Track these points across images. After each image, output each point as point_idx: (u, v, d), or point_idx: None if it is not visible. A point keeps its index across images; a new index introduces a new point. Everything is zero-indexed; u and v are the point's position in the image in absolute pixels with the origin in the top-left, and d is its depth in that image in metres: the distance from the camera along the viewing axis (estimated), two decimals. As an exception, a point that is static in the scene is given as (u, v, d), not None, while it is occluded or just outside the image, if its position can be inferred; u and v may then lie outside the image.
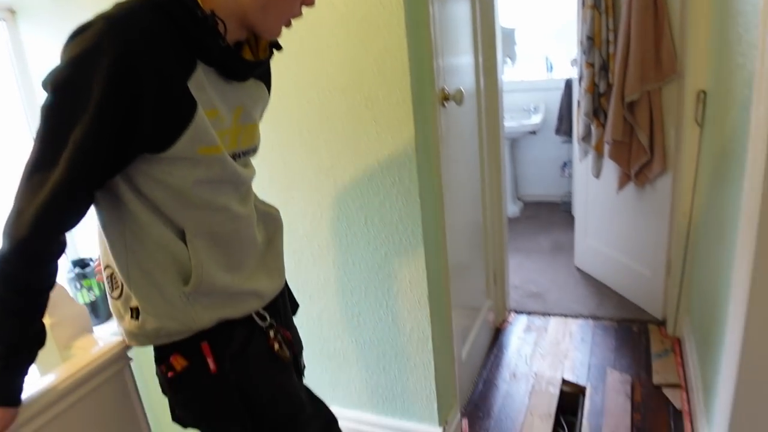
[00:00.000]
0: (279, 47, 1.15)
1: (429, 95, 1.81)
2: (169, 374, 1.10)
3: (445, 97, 1.92)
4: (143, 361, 1.29)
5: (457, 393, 2.21)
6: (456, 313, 2.14)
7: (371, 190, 1.81)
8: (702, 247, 2.38)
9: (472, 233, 2.55)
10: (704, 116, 2.39)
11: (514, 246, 3.99)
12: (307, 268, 2.02)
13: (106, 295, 2.51)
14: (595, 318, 3.00)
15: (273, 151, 1.90)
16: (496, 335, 2.94)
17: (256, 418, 1.18)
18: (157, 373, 1.15)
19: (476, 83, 2.50)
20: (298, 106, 1.81)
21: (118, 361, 1.28)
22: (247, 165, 1.17)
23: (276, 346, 1.18)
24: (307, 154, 1.86)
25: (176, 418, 1.21)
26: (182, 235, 1.02)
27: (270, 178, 1.94)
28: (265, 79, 1.20)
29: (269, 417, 1.21)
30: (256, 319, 1.16)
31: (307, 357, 2.05)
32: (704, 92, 2.38)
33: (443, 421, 2.07)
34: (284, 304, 1.32)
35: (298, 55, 1.75)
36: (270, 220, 1.23)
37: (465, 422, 2.28)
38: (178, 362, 1.09)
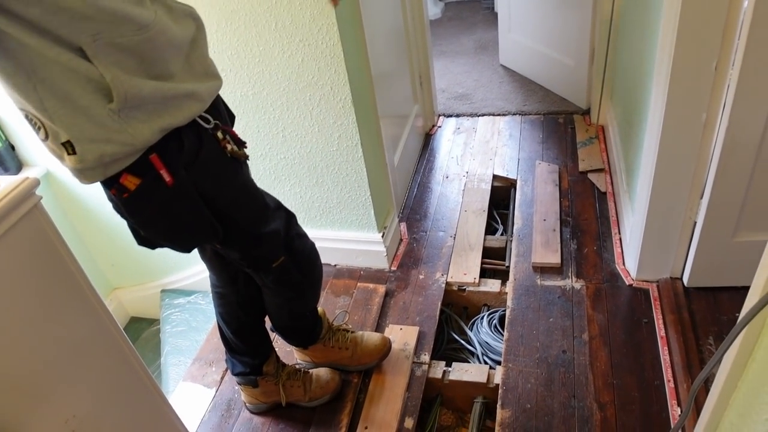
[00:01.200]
0: None
1: None
2: (124, 195, 1.03)
3: None
4: (59, 193, 1.17)
5: (392, 198, 2.20)
6: (385, 122, 2.06)
7: (279, -13, 1.61)
8: (625, 34, 2.33)
9: (394, 38, 2.40)
10: None
11: (438, 49, 3.85)
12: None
13: (10, 144, 2.29)
14: (522, 113, 3.00)
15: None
16: (427, 140, 2.91)
17: (224, 221, 1.17)
18: (109, 198, 1.08)
19: None
20: None
21: (25, 201, 1.14)
22: None
23: (228, 146, 1.14)
24: (200, -50, 1.61)
25: (142, 241, 1.17)
26: (83, 54, 0.89)
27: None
28: None
29: (236, 218, 1.20)
30: (200, 122, 1.09)
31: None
32: None
33: (381, 227, 2.08)
34: (221, 103, 1.24)
35: None
36: (187, 19, 1.07)
37: (403, 226, 2.31)
38: (130, 181, 1.02)
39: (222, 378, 1.83)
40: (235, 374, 1.66)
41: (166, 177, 1.04)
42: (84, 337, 1.25)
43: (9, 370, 1.06)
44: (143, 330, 2.77)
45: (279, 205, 1.38)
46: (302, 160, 1.97)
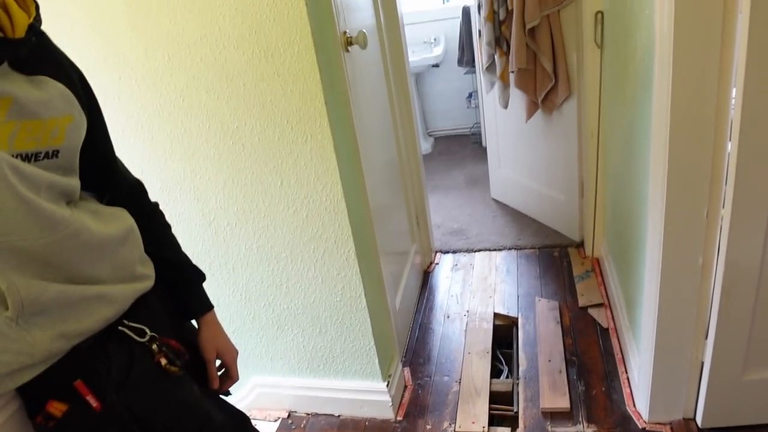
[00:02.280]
0: (38, 24, 0.89)
1: (331, 41, 1.69)
2: (50, 424, 0.95)
3: (349, 42, 1.80)
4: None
5: (395, 344, 2.19)
6: (385, 261, 2.09)
7: (283, 149, 1.69)
8: (612, 166, 2.43)
9: (391, 176, 2.48)
10: (603, 37, 2.40)
11: (431, 184, 3.97)
12: (226, 239, 1.90)
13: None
14: (517, 248, 3.05)
15: (170, 116, 1.73)
16: (426, 277, 2.93)
17: None
18: (36, 428, 0.97)
19: (376, 19, 2.37)
20: (190, 65, 1.64)
21: None
22: (64, 171, 0.92)
23: (164, 361, 1.04)
24: (208, 116, 1.70)
25: None
26: None
27: (171, 148, 1.77)
28: (55, 72, 0.92)
29: None
30: (132, 335, 1.01)
31: (240, 330, 1.96)
32: (601, 12, 2.37)
33: (386, 376, 2.05)
34: (162, 308, 1.14)
35: (182, 9, 1.57)
36: (115, 221, 1.02)
37: (407, 371, 2.27)
38: (56, 408, 0.94)
39: None
40: None
41: (93, 402, 0.95)
42: None
43: None
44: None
45: (229, 419, 1.26)
46: (305, 311, 1.97)
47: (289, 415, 2.16)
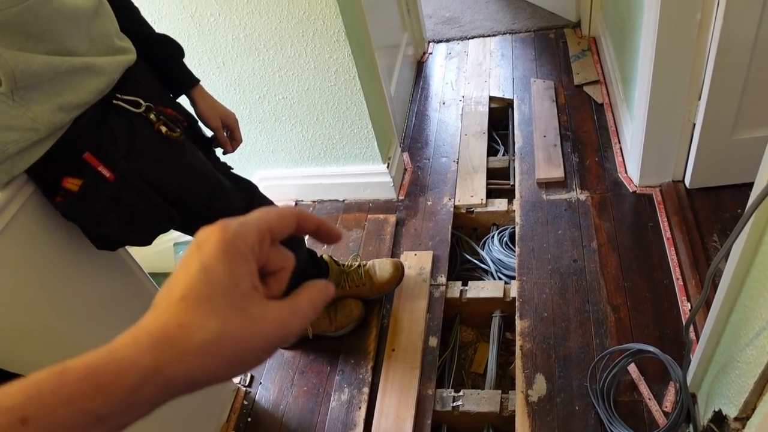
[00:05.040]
0: None
1: None
2: (70, 199, 1.01)
3: None
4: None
5: (393, 129, 2.22)
6: (378, 53, 2.05)
7: None
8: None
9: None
10: None
11: (420, -26, 3.76)
12: (212, 31, 1.83)
13: None
14: (512, 32, 2.97)
15: None
16: (419, 68, 2.89)
17: (177, 205, 1.13)
18: (57, 207, 1.04)
19: None
20: None
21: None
22: None
23: (164, 129, 1.09)
24: None
25: (101, 242, 1.13)
26: None
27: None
28: None
29: (189, 200, 1.16)
30: (128, 107, 1.04)
31: (239, 124, 1.96)
32: None
33: (386, 158, 2.10)
34: (150, 80, 1.17)
35: None
36: None
37: (406, 155, 2.33)
38: (72, 183, 0.99)
39: (248, 317, 1.89)
40: None
41: (106, 173, 1.01)
42: (120, 289, 1.30)
43: (49, 327, 1.11)
44: (159, 283, 2.83)
45: (236, 184, 1.33)
46: (301, 99, 1.97)
47: (296, 204, 2.26)
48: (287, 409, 1.66)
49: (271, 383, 1.72)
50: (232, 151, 1.36)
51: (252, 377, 1.74)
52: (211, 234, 0.37)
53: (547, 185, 2.06)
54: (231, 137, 1.36)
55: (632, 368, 1.53)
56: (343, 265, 1.76)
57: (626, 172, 2.04)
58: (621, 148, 2.13)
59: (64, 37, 0.93)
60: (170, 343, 0.33)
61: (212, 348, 0.34)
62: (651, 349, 1.52)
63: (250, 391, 1.71)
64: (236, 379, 1.72)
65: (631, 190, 1.97)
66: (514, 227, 1.98)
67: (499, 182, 2.19)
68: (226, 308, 0.35)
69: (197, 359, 0.34)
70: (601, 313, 1.66)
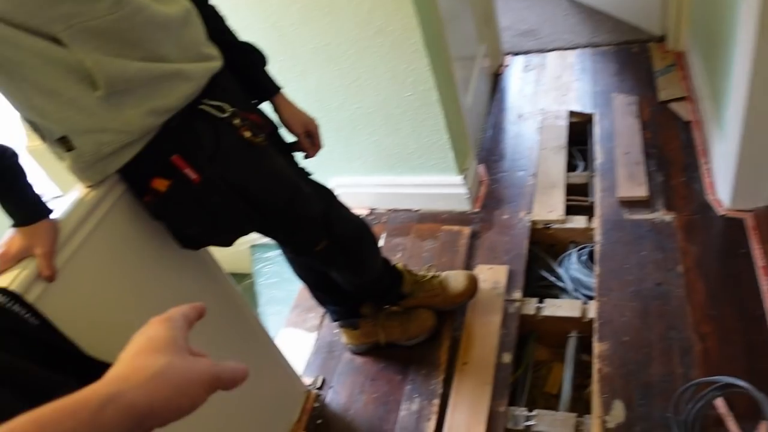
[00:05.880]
0: None
1: None
2: (158, 199, 1.05)
3: None
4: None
5: (469, 140, 2.19)
6: (453, 65, 2.03)
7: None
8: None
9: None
10: None
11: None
12: (291, 40, 1.86)
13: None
14: (592, 46, 2.90)
15: None
16: (496, 80, 2.86)
17: (258, 209, 1.16)
18: (145, 206, 1.09)
19: None
20: None
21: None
22: None
23: (247, 134, 1.11)
24: None
25: (185, 241, 1.18)
26: (60, 44, 0.88)
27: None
28: None
29: (270, 204, 1.19)
30: (214, 112, 1.08)
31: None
32: None
33: (462, 169, 2.08)
34: (235, 86, 1.21)
35: None
36: (170, 2, 1.04)
37: (482, 167, 2.30)
38: (161, 184, 1.04)
39: (321, 323, 1.91)
40: (334, 321, 1.72)
41: (192, 175, 1.04)
42: (200, 287, 1.33)
43: (134, 321, 1.13)
44: (238, 284, 2.90)
45: (316, 190, 1.35)
46: (378, 109, 1.97)
47: (370, 212, 2.27)
48: (357, 414, 1.65)
49: (342, 388, 1.72)
50: (313, 156, 1.37)
51: (324, 380, 1.75)
52: (153, 320, 0.52)
53: (630, 204, 1.98)
54: (312, 143, 1.38)
55: (719, 402, 1.45)
56: (418, 274, 1.74)
57: (716, 194, 1.95)
58: (709, 169, 2.04)
59: (156, 44, 0.98)
60: (126, 379, 0.44)
61: (162, 376, 0.45)
62: (742, 383, 1.44)
63: (321, 394, 1.72)
64: (307, 381, 1.73)
65: (719, 214, 1.88)
66: (593, 246, 1.92)
67: (578, 198, 2.13)
68: (170, 353, 0.47)
69: (151, 385, 0.44)
70: (686, 342, 1.58)
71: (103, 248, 1.06)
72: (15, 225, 0.93)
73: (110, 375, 0.45)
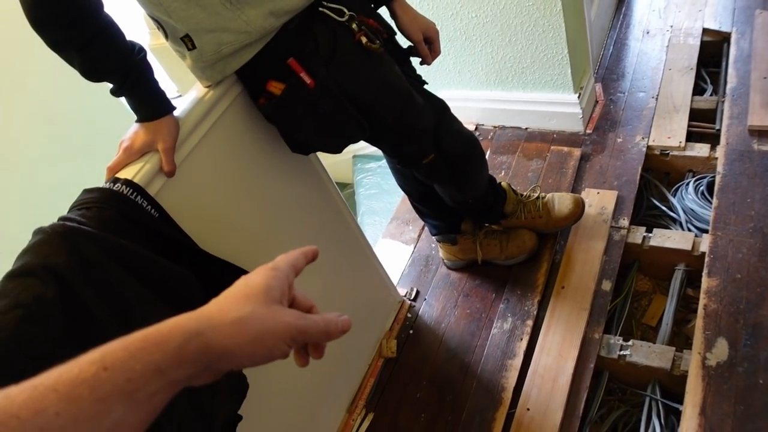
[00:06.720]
0: None
1: None
2: (273, 101, 1.07)
3: None
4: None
5: (589, 56, 2.07)
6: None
7: None
8: None
9: None
10: None
11: None
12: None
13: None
14: (739, -46, 2.59)
15: None
16: (623, -8, 2.64)
17: (369, 117, 1.16)
18: (260, 109, 1.12)
19: None
20: None
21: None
22: None
23: (364, 39, 1.10)
24: None
25: (296, 146, 1.20)
26: None
27: None
28: None
29: (381, 113, 1.18)
30: (333, 15, 1.07)
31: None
32: None
33: (578, 88, 1.98)
34: None
35: None
36: None
37: (599, 86, 2.18)
38: (276, 87, 1.06)
39: (419, 236, 1.94)
40: (433, 235, 1.74)
41: (307, 79, 1.05)
42: (307, 193, 1.38)
43: (247, 220, 1.20)
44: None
45: (429, 102, 1.32)
46: (495, 18, 1.89)
47: (476, 128, 2.23)
48: (448, 328, 1.70)
49: (435, 301, 1.76)
50: (430, 63, 1.35)
51: (417, 292, 1.80)
52: (260, 267, 0.52)
53: (761, 134, 1.83)
54: (430, 49, 1.34)
55: (837, 349, 1.37)
56: (522, 194, 1.72)
57: None
58: None
59: None
60: (210, 318, 0.46)
61: (242, 324, 0.46)
62: None
63: (414, 305, 1.77)
64: (401, 291, 1.79)
65: None
66: (713, 176, 1.80)
67: (702, 125, 1.98)
68: (258, 302, 0.48)
69: (229, 330, 0.45)
70: (808, 284, 1.48)
71: (218, 148, 1.11)
72: (139, 120, 0.99)
73: (200, 311, 0.47)
